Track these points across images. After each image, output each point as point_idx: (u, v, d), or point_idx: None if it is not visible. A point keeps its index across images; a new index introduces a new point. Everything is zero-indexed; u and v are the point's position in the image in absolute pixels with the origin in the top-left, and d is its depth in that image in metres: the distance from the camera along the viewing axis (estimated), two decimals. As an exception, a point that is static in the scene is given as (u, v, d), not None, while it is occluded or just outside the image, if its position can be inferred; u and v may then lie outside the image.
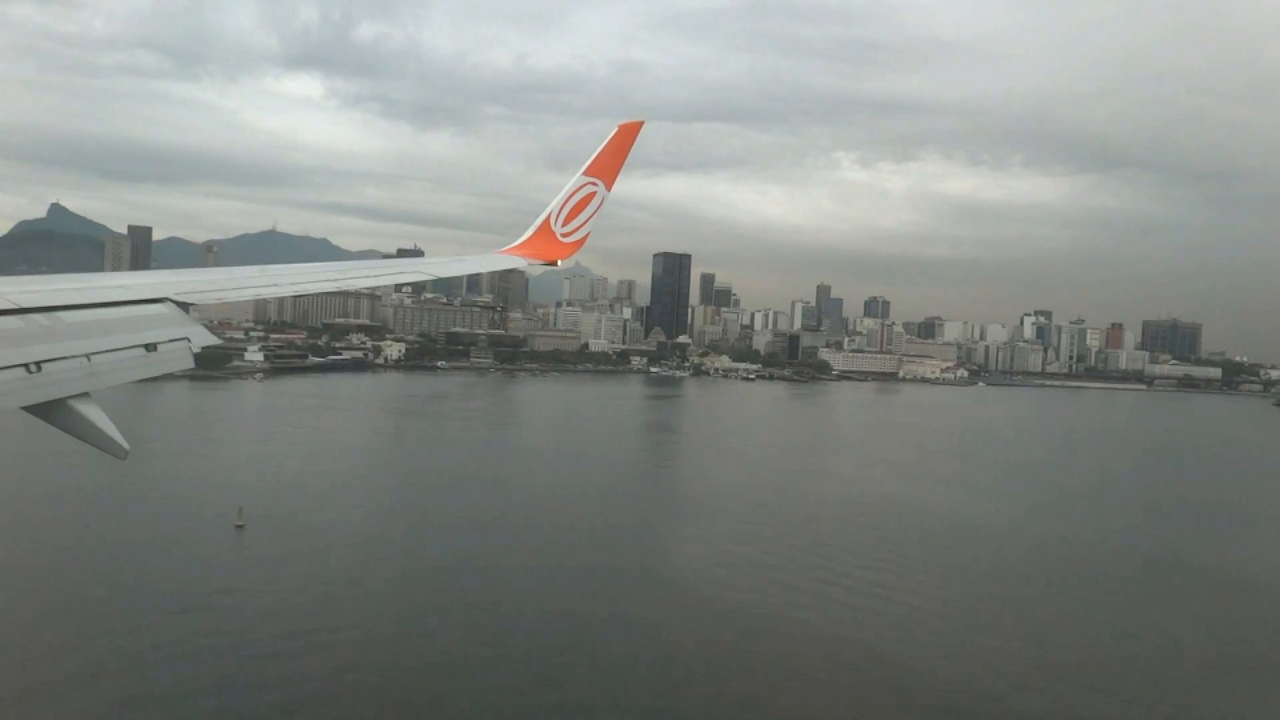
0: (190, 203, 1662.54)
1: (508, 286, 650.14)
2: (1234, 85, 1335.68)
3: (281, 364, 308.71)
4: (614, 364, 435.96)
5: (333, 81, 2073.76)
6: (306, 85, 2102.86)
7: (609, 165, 19.59)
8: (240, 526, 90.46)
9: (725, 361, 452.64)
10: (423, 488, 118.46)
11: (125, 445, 7.34)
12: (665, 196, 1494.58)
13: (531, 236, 19.55)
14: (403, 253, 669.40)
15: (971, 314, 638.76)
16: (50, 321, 7.61)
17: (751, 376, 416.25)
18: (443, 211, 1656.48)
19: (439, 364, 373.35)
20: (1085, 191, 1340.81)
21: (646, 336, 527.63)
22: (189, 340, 8.91)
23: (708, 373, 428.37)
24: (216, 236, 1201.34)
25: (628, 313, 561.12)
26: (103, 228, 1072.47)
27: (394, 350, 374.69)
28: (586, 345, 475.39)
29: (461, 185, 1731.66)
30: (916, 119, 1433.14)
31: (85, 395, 7.24)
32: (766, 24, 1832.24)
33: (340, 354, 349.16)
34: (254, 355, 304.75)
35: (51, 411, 7.02)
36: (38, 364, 6.93)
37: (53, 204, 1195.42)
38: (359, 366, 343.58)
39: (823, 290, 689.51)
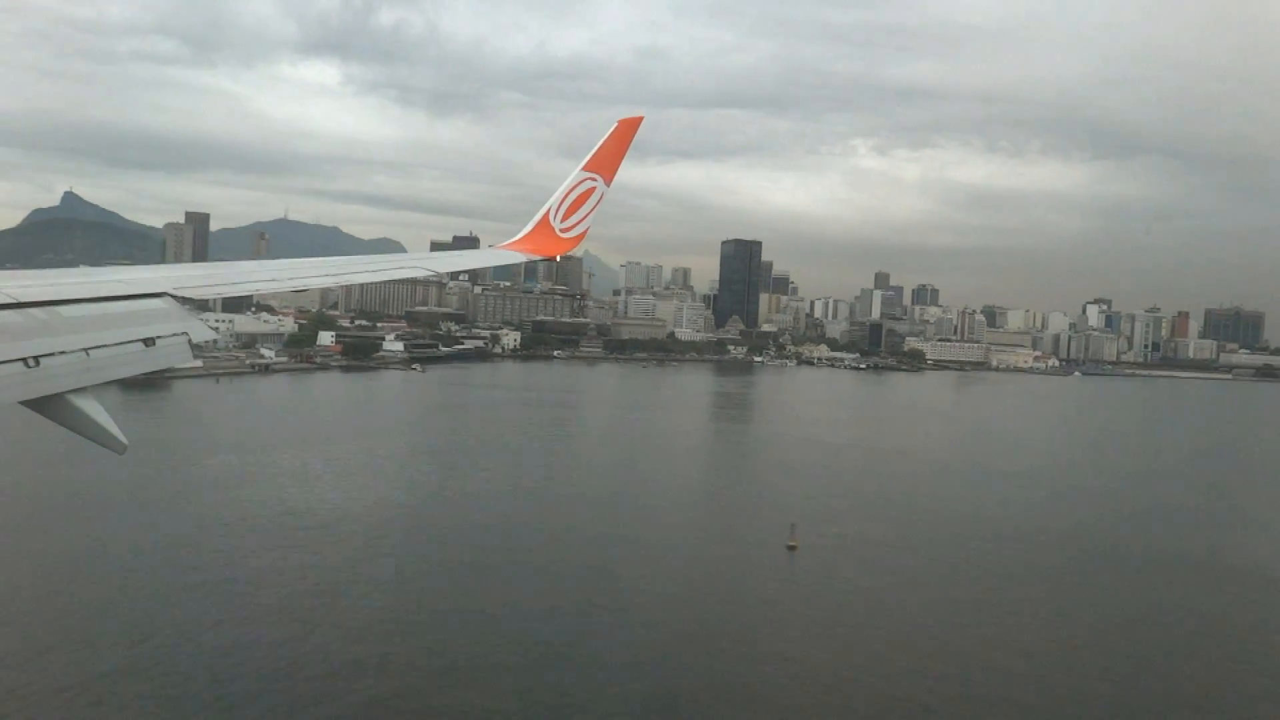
0: (199, 191, 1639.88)
1: (567, 274, 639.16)
2: (1257, 73, 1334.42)
3: (418, 354, 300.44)
4: (716, 353, 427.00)
5: (350, 68, 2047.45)
6: (322, 72, 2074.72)
7: (609, 160, 19.13)
8: (793, 547, 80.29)
9: (825, 351, 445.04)
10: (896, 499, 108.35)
11: (124, 440, 7.28)
12: (675, 185, 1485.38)
13: (531, 231, 19.35)
14: (459, 240, 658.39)
15: (978, 300, 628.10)
16: (48, 316, 7.56)
17: (863, 366, 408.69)
18: (452, 200, 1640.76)
19: (555, 353, 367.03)
20: (1101, 179, 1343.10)
21: (724, 325, 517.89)
22: (188, 334, 8.78)
23: (812, 362, 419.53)
24: (229, 225, 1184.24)
25: (696, 301, 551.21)
26: (117, 216, 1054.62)
27: (510, 340, 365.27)
28: (673, 334, 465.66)
29: (472, 173, 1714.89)
30: (936, 105, 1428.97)
31: (84, 390, 7.19)
32: (792, 8, 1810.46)
33: (463, 343, 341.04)
34: (393, 345, 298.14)
35: (50, 406, 6.98)
36: (36, 359, 6.89)
37: (66, 192, 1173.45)
38: (481, 356, 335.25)
39: (881, 278, 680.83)
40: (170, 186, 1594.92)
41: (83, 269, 10.07)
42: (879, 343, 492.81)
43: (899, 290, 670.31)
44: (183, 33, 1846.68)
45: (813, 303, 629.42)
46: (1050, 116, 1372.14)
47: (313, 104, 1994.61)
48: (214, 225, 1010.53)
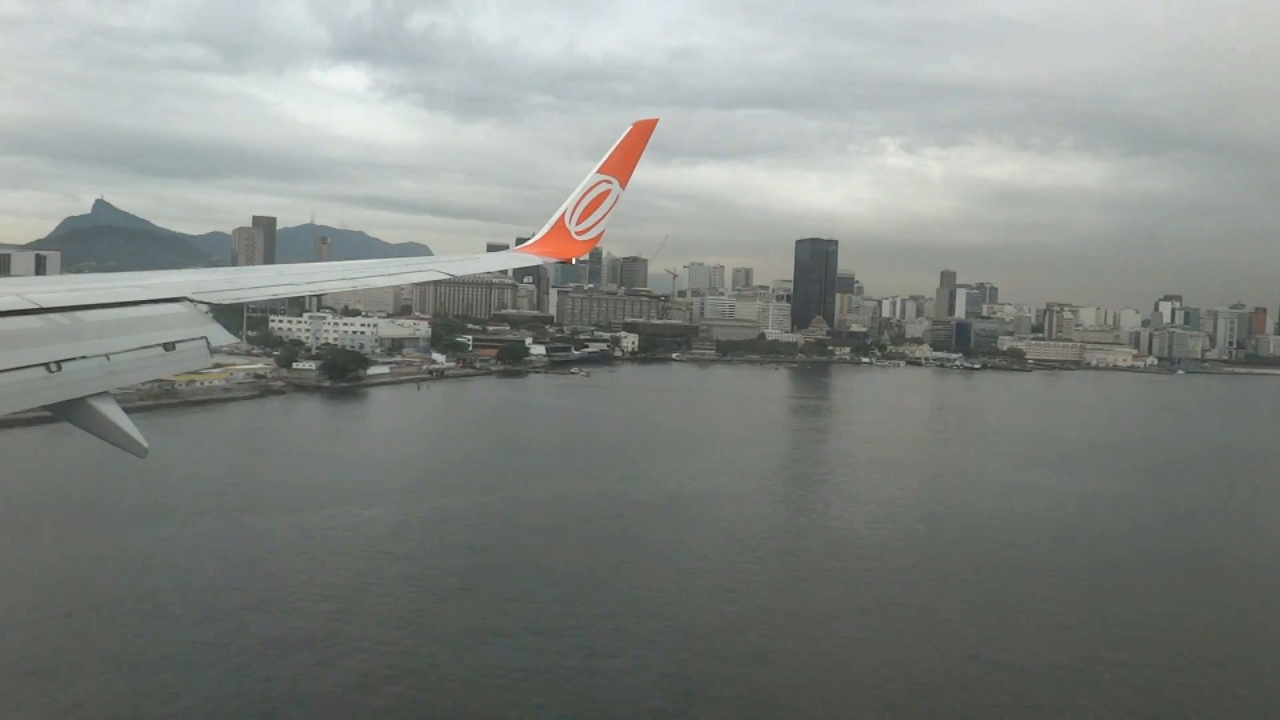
0: (224, 197, 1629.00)
1: (633, 275, 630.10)
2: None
3: (555, 358, 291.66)
4: (820, 354, 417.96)
5: (379, 73, 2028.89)
6: (351, 77, 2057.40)
7: (624, 163, 19.04)
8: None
9: (928, 351, 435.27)
10: None
11: (144, 444, 7.32)
12: (699, 186, 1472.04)
13: (547, 234, 19.20)
14: (492, 248, 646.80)
15: (1038, 298, 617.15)
16: (70, 321, 7.65)
17: (977, 366, 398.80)
18: (475, 203, 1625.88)
19: (673, 355, 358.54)
20: (1131, 175, 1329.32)
21: (806, 325, 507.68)
22: (206, 339, 8.84)
23: (919, 363, 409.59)
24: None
25: (783, 302, 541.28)
26: (148, 223, 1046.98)
27: (629, 342, 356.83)
28: (762, 335, 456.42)
29: (496, 176, 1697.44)
30: (969, 102, 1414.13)
31: (105, 394, 7.25)
32: (828, 6, 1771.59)
33: (589, 347, 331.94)
34: (536, 349, 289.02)
35: (72, 410, 7.05)
36: (58, 363, 6.97)
37: (97, 200, 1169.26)
38: (604, 359, 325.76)
39: (947, 277, 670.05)
40: (196, 194, 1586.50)
41: (103, 274, 10.39)
42: (967, 342, 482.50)
43: (965, 289, 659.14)
44: (215, 40, 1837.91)
45: (880, 302, 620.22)
46: (1083, 112, 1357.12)
47: (340, 110, 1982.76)
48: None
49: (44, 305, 7.55)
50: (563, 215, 19.12)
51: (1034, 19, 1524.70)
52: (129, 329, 8.19)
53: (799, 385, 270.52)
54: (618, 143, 19.01)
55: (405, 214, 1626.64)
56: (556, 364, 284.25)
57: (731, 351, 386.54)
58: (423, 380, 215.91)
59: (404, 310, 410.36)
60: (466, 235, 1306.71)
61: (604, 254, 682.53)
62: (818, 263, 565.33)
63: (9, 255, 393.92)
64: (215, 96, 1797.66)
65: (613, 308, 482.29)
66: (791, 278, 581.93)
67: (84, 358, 7.26)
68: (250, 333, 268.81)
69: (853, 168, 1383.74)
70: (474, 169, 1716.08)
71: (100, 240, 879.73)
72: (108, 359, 7.47)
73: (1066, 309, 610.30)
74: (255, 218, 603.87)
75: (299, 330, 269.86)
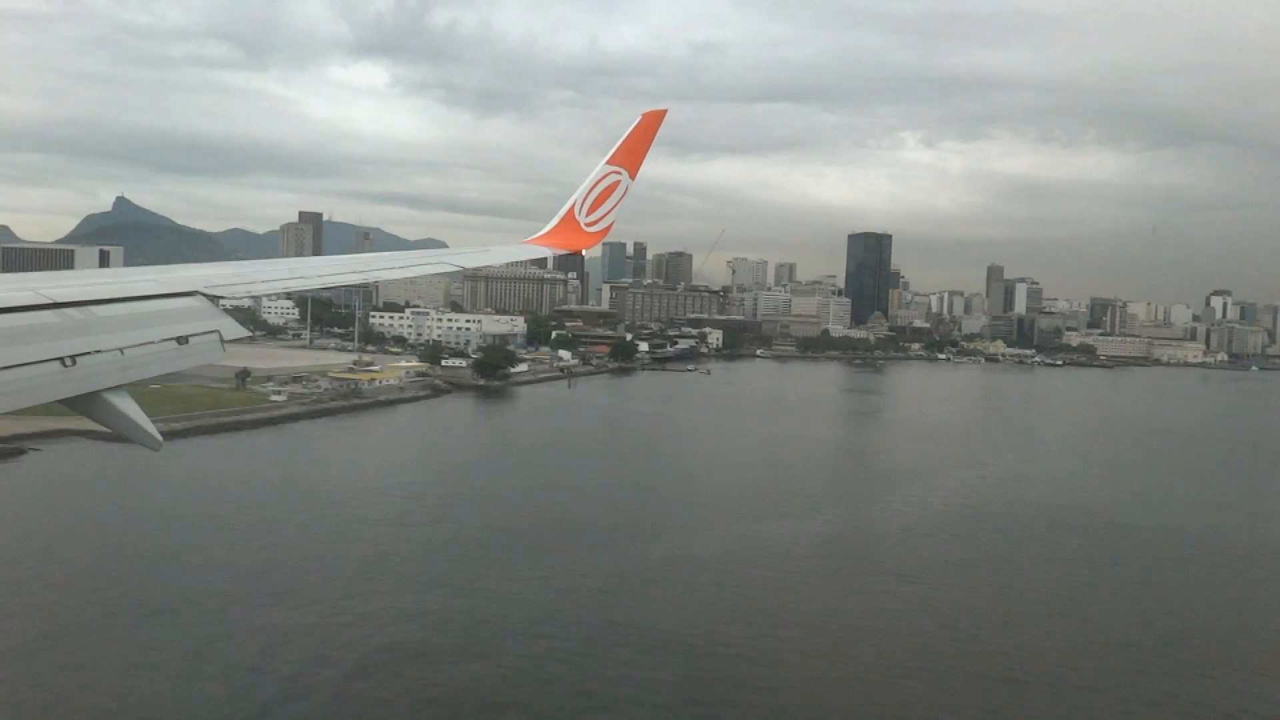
0: (240, 195, 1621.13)
1: (677, 269, 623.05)
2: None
3: (656, 354, 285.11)
4: (895, 350, 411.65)
5: (399, 69, 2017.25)
6: (371, 74, 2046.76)
7: (633, 154, 18.98)
8: None
9: (1001, 346, 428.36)
10: None
11: (159, 437, 7.44)
12: (715, 180, 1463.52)
13: (556, 226, 19.20)
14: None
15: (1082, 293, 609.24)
16: (83, 316, 7.66)
17: (1059, 362, 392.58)
18: (490, 200, 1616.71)
19: (758, 352, 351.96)
20: (1153, 168, 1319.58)
21: (864, 321, 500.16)
22: (219, 333, 8.86)
23: (997, 359, 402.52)
24: (274, 228, 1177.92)
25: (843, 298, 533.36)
26: (169, 220, 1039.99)
27: (714, 338, 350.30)
28: (826, 330, 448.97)
29: (512, 173, 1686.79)
30: (993, 95, 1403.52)
31: (119, 388, 7.31)
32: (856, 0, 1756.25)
33: (678, 344, 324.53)
34: (642, 347, 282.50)
35: (87, 404, 7.11)
36: (72, 358, 7.01)
37: (118, 197, 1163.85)
38: (692, 356, 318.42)
39: (994, 271, 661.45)
40: (213, 191, 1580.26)
41: (114, 270, 10.39)
42: (1029, 337, 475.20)
43: (1013, 284, 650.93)
44: (237, 36, 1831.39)
45: (930, 297, 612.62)
46: (1108, 104, 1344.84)
47: (358, 106, 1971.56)
48: (261, 229, 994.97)
49: (58, 300, 7.54)
50: (572, 207, 18.97)
51: (1063, 10, 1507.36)
52: (142, 323, 8.18)
53: (927, 384, 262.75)
54: (626, 134, 18.82)
55: (420, 210, 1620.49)
56: (657, 360, 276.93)
57: (811, 348, 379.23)
58: (570, 377, 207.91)
59: (454, 306, 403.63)
60: (482, 231, 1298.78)
61: (648, 249, 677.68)
62: (871, 257, 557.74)
63: (73, 250, 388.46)
64: (235, 94, 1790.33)
65: (672, 303, 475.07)
66: (832, 272, 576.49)
67: (98, 352, 7.27)
68: (337, 329, 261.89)
69: (871, 162, 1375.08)
70: (490, 165, 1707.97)
71: (126, 237, 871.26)
72: (121, 353, 7.48)
73: (1115, 304, 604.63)
74: (301, 213, 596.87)
75: (401, 327, 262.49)
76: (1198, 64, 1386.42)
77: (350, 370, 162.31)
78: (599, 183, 18.87)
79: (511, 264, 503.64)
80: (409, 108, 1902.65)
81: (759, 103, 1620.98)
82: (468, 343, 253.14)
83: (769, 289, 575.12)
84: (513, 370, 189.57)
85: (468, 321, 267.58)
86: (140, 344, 7.83)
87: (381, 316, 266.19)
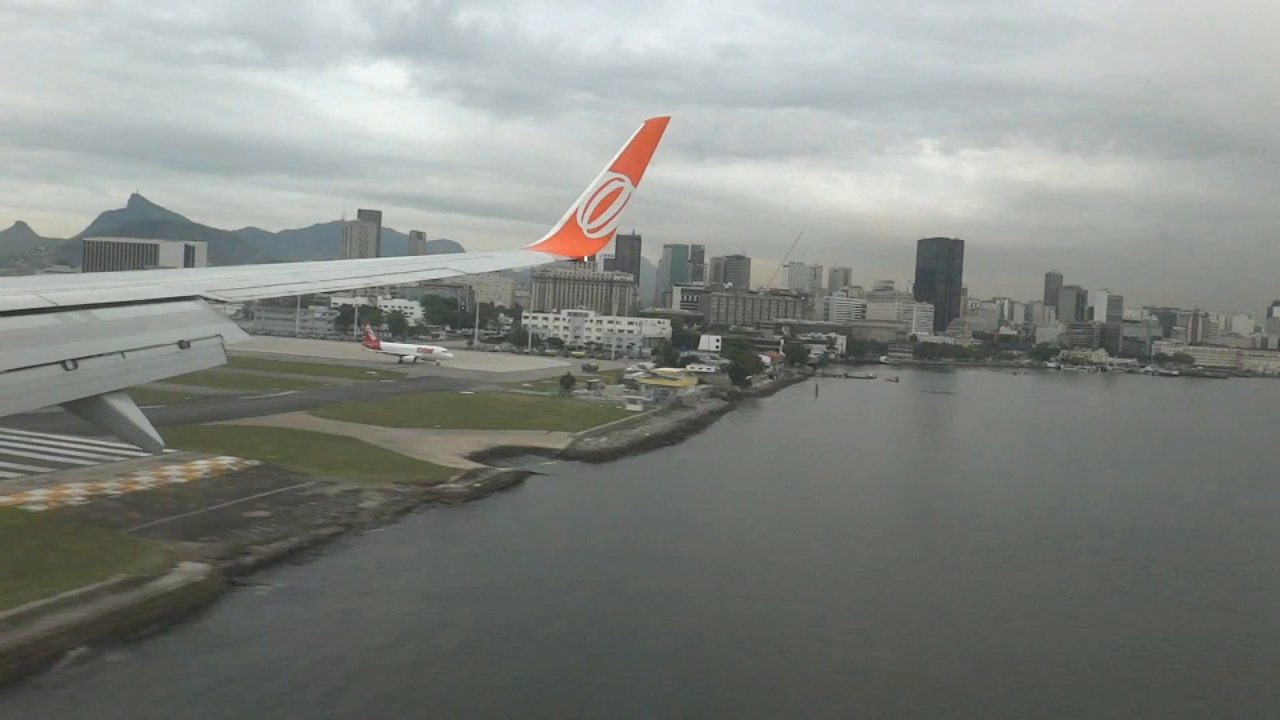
0: (253, 194, 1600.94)
1: (736, 272, 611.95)
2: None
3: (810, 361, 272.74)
4: (1000, 359, 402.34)
5: (419, 69, 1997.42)
6: (390, 74, 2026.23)
7: (636, 160, 18.89)
8: None
9: (1104, 356, 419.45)
10: None
11: (159, 440, 7.44)
12: (729, 184, 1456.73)
13: (559, 233, 19.13)
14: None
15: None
16: (86, 319, 7.68)
17: (1175, 372, 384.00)
18: (502, 201, 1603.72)
19: (881, 359, 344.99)
20: (1170, 177, 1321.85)
21: (944, 328, 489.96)
22: (221, 337, 8.88)
23: (1105, 369, 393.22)
24: (290, 227, 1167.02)
25: (903, 303, 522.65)
26: (182, 218, 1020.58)
27: (840, 344, 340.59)
28: (914, 337, 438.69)
29: (526, 175, 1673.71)
30: (1019, 102, 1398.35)
31: (121, 392, 7.33)
32: (890, 4, 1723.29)
33: (810, 350, 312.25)
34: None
35: (88, 408, 7.13)
36: (74, 361, 7.01)
37: (133, 195, 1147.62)
38: (826, 361, 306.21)
39: (1053, 278, 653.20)
40: (224, 189, 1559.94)
41: (117, 273, 9.92)
42: (1113, 346, 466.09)
43: (1071, 291, 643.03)
44: (258, 33, 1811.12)
45: (1001, 304, 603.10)
46: (1133, 113, 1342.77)
47: (375, 106, 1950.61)
48: (275, 228, 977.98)
49: (59, 303, 7.52)
50: (575, 213, 18.79)
51: (1101, 19, 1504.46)
52: (144, 327, 8.14)
53: (1089, 394, 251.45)
54: (629, 140, 18.67)
55: (432, 212, 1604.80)
56: (813, 366, 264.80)
57: (927, 355, 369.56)
58: (789, 384, 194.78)
59: (515, 307, 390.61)
60: (489, 233, 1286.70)
61: (705, 252, 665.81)
62: (942, 263, 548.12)
63: (156, 246, 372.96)
64: (254, 92, 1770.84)
65: (755, 307, 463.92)
66: (889, 279, 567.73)
67: (99, 355, 7.24)
68: (465, 329, 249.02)
69: (887, 169, 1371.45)
70: (504, 167, 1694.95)
71: (146, 235, 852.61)
72: (123, 356, 7.44)
73: (1178, 313, 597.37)
74: (361, 211, 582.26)
75: (556, 328, 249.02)
76: (1226, 74, 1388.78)
77: (599, 374, 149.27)
78: (601, 189, 18.54)
79: (580, 266, 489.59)
80: (426, 109, 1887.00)
81: (781, 107, 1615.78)
82: (630, 345, 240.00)
83: (839, 292, 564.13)
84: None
85: (629, 324, 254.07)
86: (142, 348, 7.71)
87: (534, 318, 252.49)
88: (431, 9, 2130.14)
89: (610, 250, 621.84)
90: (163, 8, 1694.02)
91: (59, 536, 43.71)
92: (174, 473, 58.02)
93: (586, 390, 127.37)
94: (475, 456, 77.41)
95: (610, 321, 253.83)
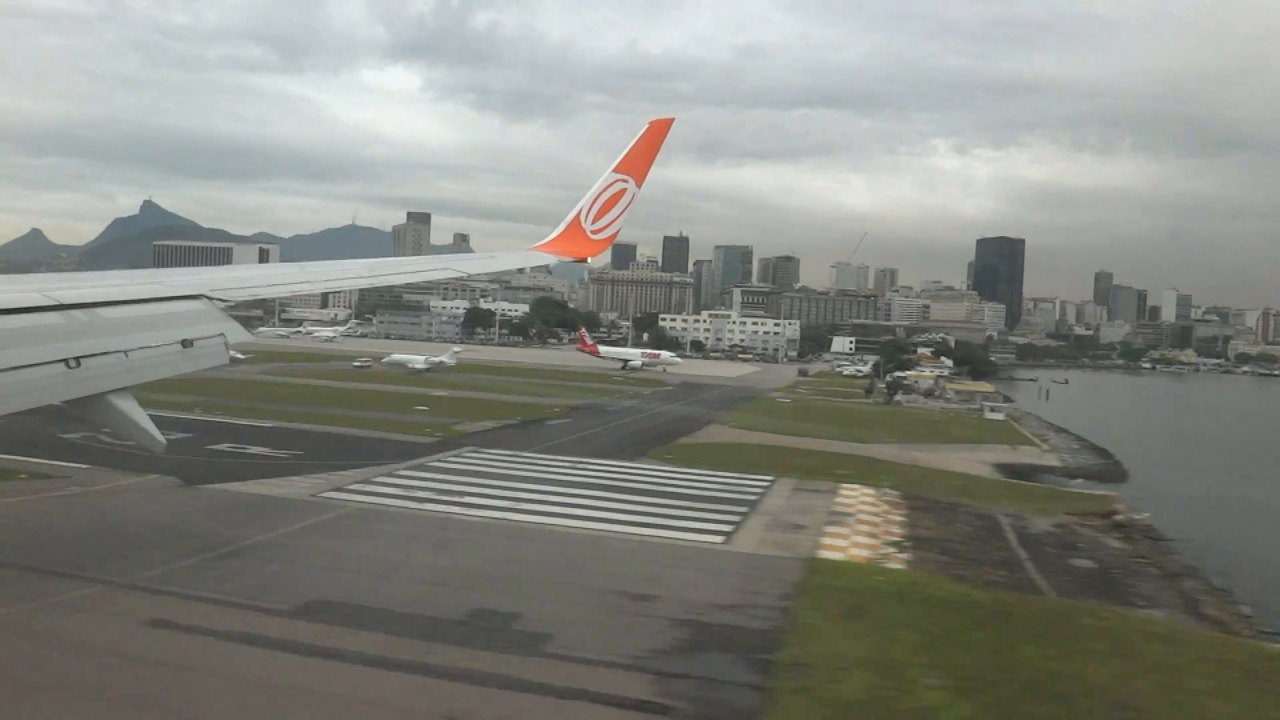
0: (262, 199, 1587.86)
1: (786, 273, 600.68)
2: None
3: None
4: (1101, 359, 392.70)
5: (433, 73, 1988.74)
6: (404, 78, 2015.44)
7: (640, 162, 18.84)
8: None
9: (1193, 356, 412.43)
10: None
11: (162, 440, 7.42)
12: (739, 186, 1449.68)
13: (562, 234, 19.04)
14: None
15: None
16: (89, 318, 7.53)
17: (1277, 373, 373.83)
18: (511, 205, 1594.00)
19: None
20: (1184, 176, 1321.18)
21: (1014, 327, 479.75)
22: (224, 336, 8.78)
23: (1198, 369, 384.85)
24: (301, 232, 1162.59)
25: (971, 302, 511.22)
26: (194, 224, 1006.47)
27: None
28: (992, 337, 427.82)
29: (536, 177, 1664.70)
30: (1037, 101, 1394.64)
31: (123, 390, 7.18)
32: (914, 3, 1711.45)
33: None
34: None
35: (90, 406, 7.04)
36: (77, 359, 6.91)
37: (145, 201, 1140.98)
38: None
39: (1103, 278, 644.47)
40: (233, 195, 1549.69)
41: (120, 272, 9.86)
42: (1186, 345, 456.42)
43: (1123, 290, 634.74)
44: (274, 38, 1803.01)
45: (1034, 304, 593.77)
46: (1151, 110, 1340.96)
47: (387, 110, 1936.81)
48: (285, 233, 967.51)
49: (63, 302, 7.38)
50: (578, 214, 18.73)
51: (1123, 15, 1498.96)
52: (147, 326, 8.01)
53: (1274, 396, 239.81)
54: (634, 142, 18.53)
55: (443, 215, 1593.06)
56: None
57: (1027, 356, 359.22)
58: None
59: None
60: (495, 236, 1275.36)
61: (754, 253, 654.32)
62: (1004, 262, 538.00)
63: (231, 248, 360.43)
64: (267, 97, 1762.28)
65: (824, 308, 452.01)
66: (939, 278, 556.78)
67: (103, 354, 7.10)
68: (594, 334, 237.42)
69: (899, 169, 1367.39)
70: (513, 170, 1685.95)
71: (166, 240, 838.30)
72: (126, 355, 7.31)
73: (1232, 311, 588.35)
74: (410, 213, 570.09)
75: (697, 330, 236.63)
76: (1248, 72, 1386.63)
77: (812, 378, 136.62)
78: (605, 190, 18.43)
79: (639, 268, 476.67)
80: (438, 112, 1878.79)
81: (797, 108, 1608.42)
82: (777, 349, 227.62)
83: (932, 294, 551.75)
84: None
85: (776, 325, 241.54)
86: (144, 347, 7.58)
87: (672, 319, 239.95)
88: (449, 11, 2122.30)
89: (656, 253, 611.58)
90: (179, 11, 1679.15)
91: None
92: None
93: (922, 398, 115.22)
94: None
95: (755, 323, 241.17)
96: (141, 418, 7.22)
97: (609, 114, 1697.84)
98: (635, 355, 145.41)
